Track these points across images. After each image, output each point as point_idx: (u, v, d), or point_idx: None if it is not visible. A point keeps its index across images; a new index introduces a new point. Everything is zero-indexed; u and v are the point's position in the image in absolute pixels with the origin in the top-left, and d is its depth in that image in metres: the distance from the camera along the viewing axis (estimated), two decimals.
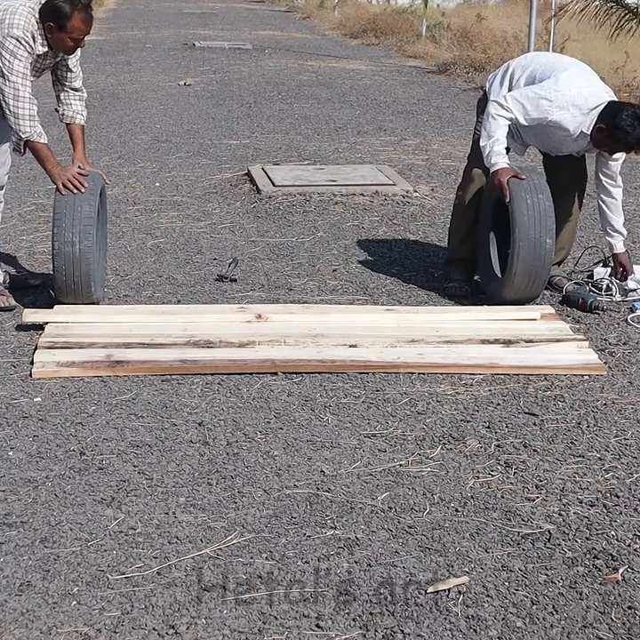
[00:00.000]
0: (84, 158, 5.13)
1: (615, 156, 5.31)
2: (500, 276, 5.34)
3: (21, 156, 5.17)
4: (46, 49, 4.83)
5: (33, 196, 7.35)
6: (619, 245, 5.47)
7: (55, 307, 5.02)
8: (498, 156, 5.16)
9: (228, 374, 4.46)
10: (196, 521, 3.34)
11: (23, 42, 4.74)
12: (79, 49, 4.92)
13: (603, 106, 5.09)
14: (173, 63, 15.23)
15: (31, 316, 4.90)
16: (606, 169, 5.36)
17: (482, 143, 5.21)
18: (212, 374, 4.45)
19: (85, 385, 4.34)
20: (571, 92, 5.09)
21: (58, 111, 5.15)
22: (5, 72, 4.75)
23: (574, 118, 5.11)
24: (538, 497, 3.54)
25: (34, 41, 4.77)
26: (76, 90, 5.12)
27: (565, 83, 5.10)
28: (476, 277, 5.67)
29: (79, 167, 5.00)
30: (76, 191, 4.90)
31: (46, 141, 4.93)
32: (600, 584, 3.06)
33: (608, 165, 5.35)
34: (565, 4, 12.54)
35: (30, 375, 4.41)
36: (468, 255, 5.66)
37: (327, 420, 4.09)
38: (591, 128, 5.11)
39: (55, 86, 5.13)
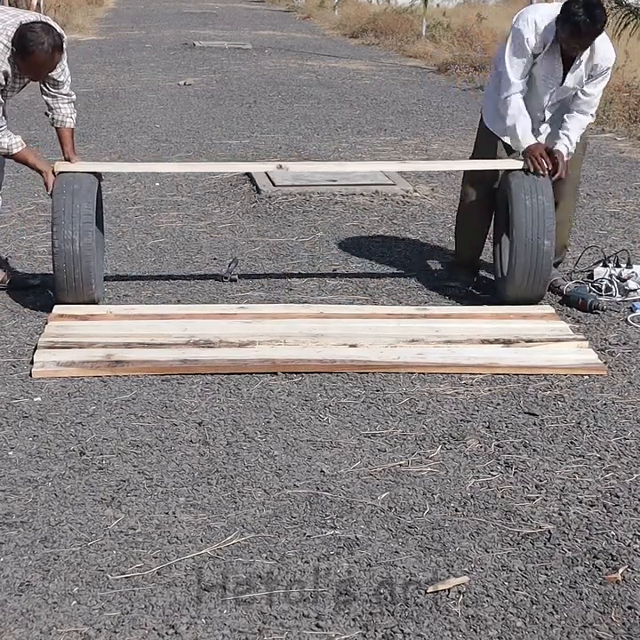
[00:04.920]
0: (75, 158, 5.18)
1: (589, 90, 5.25)
2: (504, 275, 5.35)
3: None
4: None
5: (33, 195, 7.35)
6: (560, 146, 5.29)
7: (55, 307, 5.03)
8: (525, 135, 5.18)
9: (228, 374, 4.46)
10: (196, 521, 3.34)
11: None
12: (60, 65, 4.94)
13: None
14: (173, 63, 15.23)
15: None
16: (585, 98, 5.29)
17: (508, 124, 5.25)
18: (212, 374, 4.45)
19: (85, 385, 4.34)
20: (526, 18, 5.13)
21: (48, 115, 5.18)
22: None
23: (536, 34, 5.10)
24: (538, 497, 3.54)
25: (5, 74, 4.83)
26: (65, 94, 5.14)
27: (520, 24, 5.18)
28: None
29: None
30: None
31: (24, 145, 5.01)
32: (600, 584, 3.06)
33: (586, 95, 5.29)
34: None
35: (30, 375, 4.41)
36: (473, 258, 5.66)
37: (327, 419, 4.09)
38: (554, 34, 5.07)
39: (43, 92, 5.13)
